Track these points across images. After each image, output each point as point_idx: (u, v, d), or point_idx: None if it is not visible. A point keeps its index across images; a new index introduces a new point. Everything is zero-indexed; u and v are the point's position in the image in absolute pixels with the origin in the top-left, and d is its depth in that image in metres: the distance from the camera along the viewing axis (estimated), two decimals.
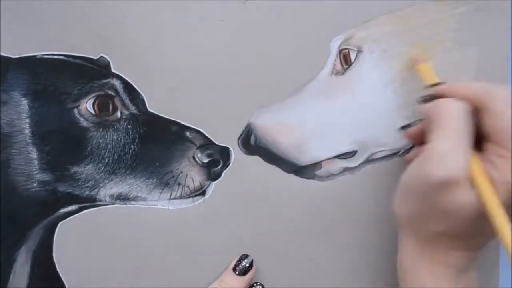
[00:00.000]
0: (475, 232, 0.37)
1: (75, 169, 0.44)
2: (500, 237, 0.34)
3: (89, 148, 0.44)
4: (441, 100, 0.38)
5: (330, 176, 0.45)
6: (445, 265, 0.38)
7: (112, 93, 0.44)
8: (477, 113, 0.37)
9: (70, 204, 0.45)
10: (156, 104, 0.45)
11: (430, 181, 0.35)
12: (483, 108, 0.37)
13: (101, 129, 0.44)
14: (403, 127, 0.44)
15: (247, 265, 0.46)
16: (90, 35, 0.44)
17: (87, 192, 0.45)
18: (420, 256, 0.39)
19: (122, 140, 0.45)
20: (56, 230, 0.45)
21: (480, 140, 0.38)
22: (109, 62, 0.44)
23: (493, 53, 0.45)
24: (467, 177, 0.35)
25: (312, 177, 0.45)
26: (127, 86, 0.44)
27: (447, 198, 0.35)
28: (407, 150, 0.45)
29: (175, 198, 0.45)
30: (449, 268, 0.38)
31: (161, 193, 0.45)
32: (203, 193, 0.45)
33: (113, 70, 0.44)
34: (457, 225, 0.36)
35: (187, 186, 0.45)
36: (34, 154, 0.44)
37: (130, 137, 0.45)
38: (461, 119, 0.37)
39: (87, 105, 0.44)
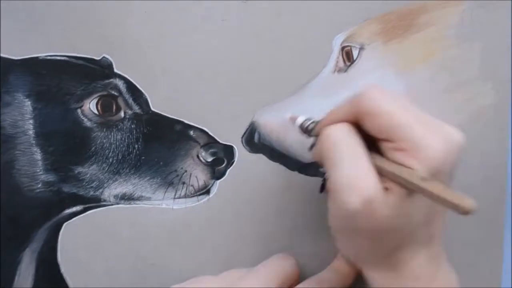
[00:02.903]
0: (413, 230, 0.37)
1: (79, 169, 0.44)
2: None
3: (93, 148, 0.44)
4: (321, 133, 0.37)
5: None
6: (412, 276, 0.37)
7: (115, 93, 0.44)
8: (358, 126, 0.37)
9: (74, 205, 0.45)
10: (160, 104, 0.45)
11: (349, 214, 0.35)
12: (360, 118, 0.36)
13: (104, 129, 0.44)
14: (311, 147, 0.42)
15: None
16: (92, 36, 0.44)
17: (91, 193, 0.45)
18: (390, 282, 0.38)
19: (126, 140, 0.45)
20: (61, 231, 0.46)
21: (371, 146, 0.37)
22: (111, 62, 0.44)
23: (495, 49, 0.45)
24: (379, 192, 0.34)
25: (316, 174, 0.45)
26: (130, 86, 0.45)
27: (371, 219, 0.35)
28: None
29: (179, 197, 0.45)
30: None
31: (165, 192, 0.45)
32: (207, 192, 0.45)
33: (115, 70, 0.44)
34: (396, 235, 0.36)
35: (192, 185, 0.45)
36: (38, 155, 0.44)
37: (134, 136, 0.45)
38: (345, 141, 0.36)
39: (91, 105, 0.44)
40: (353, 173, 0.35)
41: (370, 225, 0.35)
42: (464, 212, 0.32)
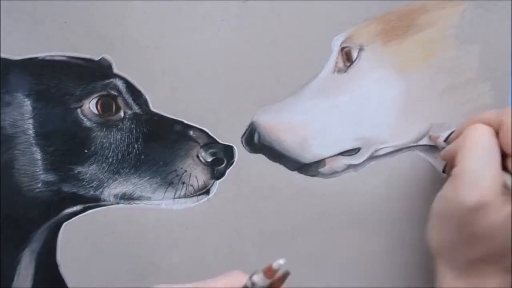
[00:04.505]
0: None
1: (79, 169, 0.44)
2: None
3: (92, 148, 0.44)
4: (466, 127, 0.38)
5: (334, 173, 0.45)
6: None
7: (115, 93, 0.44)
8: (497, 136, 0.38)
9: (74, 205, 0.45)
10: (159, 104, 0.45)
11: (462, 206, 0.35)
12: (500, 128, 0.37)
13: (104, 129, 0.44)
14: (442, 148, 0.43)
15: None
16: (92, 36, 0.44)
17: (91, 192, 0.45)
18: (458, 285, 0.38)
19: (126, 140, 0.45)
20: (60, 231, 0.46)
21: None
22: (111, 62, 0.44)
23: (494, 50, 0.45)
24: (498, 197, 0.35)
25: (316, 174, 0.45)
26: (130, 86, 0.45)
27: (481, 222, 0.35)
28: (411, 147, 0.46)
29: (179, 197, 0.45)
30: None
31: (165, 192, 0.45)
32: (207, 192, 0.45)
33: (115, 70, 0.44)
34: (493, 248, 0.36)
35: (191, 185, 0.45)
36: (38, 155, 0.44)
37: (134, 136, 0.45)
38: (486, 140, 0.37)
39: (90, 105, 0.44)
40: (483, 171, 0.35)
41: (473, 227, 0.35)
42: None
